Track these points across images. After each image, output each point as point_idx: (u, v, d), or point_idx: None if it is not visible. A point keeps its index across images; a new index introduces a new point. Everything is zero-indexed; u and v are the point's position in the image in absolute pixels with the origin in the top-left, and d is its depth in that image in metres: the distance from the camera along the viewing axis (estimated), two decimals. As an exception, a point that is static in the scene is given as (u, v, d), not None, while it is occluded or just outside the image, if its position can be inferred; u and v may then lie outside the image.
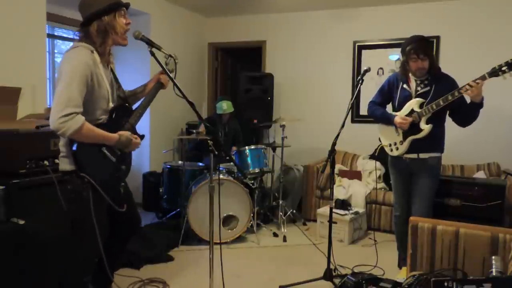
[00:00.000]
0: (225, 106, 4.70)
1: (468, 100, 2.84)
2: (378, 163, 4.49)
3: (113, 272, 2.47)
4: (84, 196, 2.01)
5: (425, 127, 2.92)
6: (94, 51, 2.07)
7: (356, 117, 5.20)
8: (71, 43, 2.13)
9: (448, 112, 2.99)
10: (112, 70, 2.26)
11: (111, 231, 2.25)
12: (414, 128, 2.95)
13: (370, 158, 4.85)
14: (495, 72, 2.65)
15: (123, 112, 2.23)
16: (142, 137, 2.29)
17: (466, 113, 2.89)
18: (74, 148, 2.01)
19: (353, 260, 3.50)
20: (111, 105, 2.15)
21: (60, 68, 2.01)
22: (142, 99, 2.39)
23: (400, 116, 2.99)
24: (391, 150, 3.12)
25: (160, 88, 2.44)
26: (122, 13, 2.15)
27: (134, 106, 2.39)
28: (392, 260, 3.38)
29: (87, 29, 2.08)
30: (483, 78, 2.66)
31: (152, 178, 4.84)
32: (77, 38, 2.12)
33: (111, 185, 2.14)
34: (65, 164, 2.08)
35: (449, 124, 3.04)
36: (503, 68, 2.62)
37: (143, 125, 4.89)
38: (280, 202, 4.44)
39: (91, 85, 2.01)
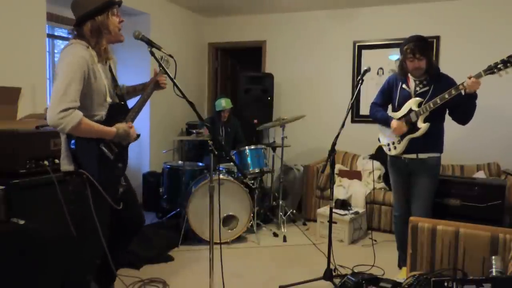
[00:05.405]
0: (224, 103, 4.73)
1: None
2: (378, 163, 4.49)
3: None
4: (86, 196, 2.01)
5: (422, 126, 2.92)
6: (89, 47, 2.07)
7: (356, 117, 5.20)
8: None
9: (448, 111, 2.99)
10: (110, 67, 2.25)
11: (115, 230, 2.25)
12: (411, 127, 2.95)
13: (370, 158, 4.84)
14: (490, 70, 2.66)
15: (120, 110, 2.23)
16: (138, 136, 2.29)
17: (463, 107, 2.86)
18: (73, 146, 2.01)
19: (353, 260, 3.50)
20: (109, 100, 2.14)
21: (57, 66, 2.03)
22: (137, 98, 2.39)
23: (396, 121, 3.00)
24: (389, 150, 3.12)
25: (156, 89, 2.43)
26: (115, 11, 2.14)
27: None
28: (392, 260, 3.38)
29: (81, 29, 2.08)
30: (479, 75, 2.67)
31: (152, 178, 4.84)
32: (72, 36, 2.12)
33: (109, 183, 2.14)
34: (66, 165, 2.09)
35: (449, 124, 3.04)
36: (499, 66, 2.64)
37: (143, 125, 4.89)
38: (280, 202, 4.43)
39: (87, 79, 2.01)
